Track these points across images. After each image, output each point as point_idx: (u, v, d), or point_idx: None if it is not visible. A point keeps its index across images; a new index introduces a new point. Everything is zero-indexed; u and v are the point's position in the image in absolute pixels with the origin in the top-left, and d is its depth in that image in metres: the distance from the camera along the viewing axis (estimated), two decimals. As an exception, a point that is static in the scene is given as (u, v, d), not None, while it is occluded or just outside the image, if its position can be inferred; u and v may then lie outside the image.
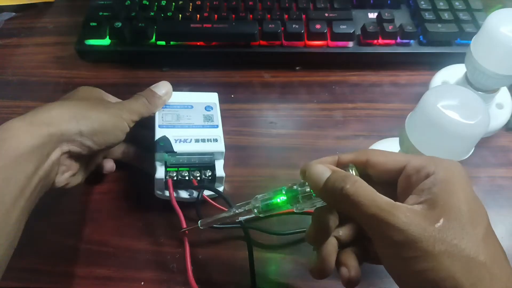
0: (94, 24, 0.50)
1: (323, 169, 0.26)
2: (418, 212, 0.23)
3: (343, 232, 0.28)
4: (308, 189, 0.27)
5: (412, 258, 0.22)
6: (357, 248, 0.28)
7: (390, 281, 0.35)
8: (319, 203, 0.27)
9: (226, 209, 0.36)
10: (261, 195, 0.29)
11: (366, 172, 0.27)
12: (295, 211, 0.28)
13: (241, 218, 0.31)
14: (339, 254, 0.28)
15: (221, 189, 0.39)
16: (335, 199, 0.25)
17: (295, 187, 0.28)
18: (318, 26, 0.50)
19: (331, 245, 0.27)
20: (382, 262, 0.25)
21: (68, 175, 0.34)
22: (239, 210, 0.30)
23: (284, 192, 0.28)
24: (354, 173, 0.26)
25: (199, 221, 0.33)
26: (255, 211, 0.29)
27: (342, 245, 0.28)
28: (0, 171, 0.27)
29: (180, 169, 0.38)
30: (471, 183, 0.25)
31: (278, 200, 0.28)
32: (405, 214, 0.23)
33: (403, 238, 0.22)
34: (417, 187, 0.25)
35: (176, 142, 0.37)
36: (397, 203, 0.24)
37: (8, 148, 0.28)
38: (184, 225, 0.35)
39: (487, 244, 0.22)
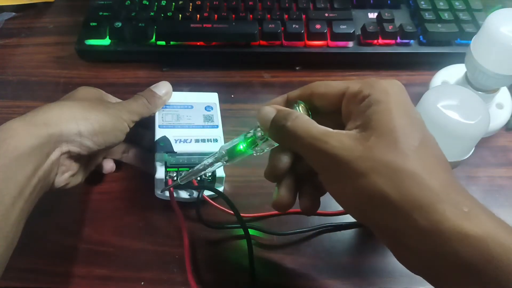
0: (94, 24, 0.50)
1: (269, 110, 0.28)
2: (351, 136, 0.24)
3: (300, 168, 0.29)
4: (261, 133, 0.29)
5: (345, 179, 0.23)
6: (315, 181, 0.29)
7: (390, 281, 0.36)
8: (276, 144, 0.29)
9: (227, 210, 0.37)
10: (225, 144, 0.32)
11: (314, 105, 0.28)
12: (254, 154, 0.30)
13: (212, 168, 0.33)
14: (300, 187, 0.29)
15: (221, 189, 0.39)
16: (279, 137, 0.27)
17: (251, 131, 0.30)
18: (318, 26, 0.50)
19: (289, 180, 0.29)
20: (327, 190, 0.26)
21: (68, 175, 0.34)
22: (209, 161, 0.32)
23: (243, 139, 0.30)
24: (300, 109, 0.28)
25: (178, 178, 0.35)
26: (224, 162, 0.32)
27: (303, 180, 0.29)
28: (0, 171, 0.27)
29: (180, 169, 0.38)
30: (407, 98, 0.25)
31: (241, 147, 0.30)
32: (337, 139, 0.24)
33: (334, 162, 0.23)
34: (354, 112, 0.25)
35: (176, 142, 0.37)
36: (332, 130, 0.25)
37: (8, 148, 0.28)
38: (184, 225, 0.35)
39: (420, 155, 0.23)
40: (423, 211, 0.21)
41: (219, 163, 0.32)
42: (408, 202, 0.21)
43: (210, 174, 0.38)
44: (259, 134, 0.29)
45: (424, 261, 0.22)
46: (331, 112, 0.28)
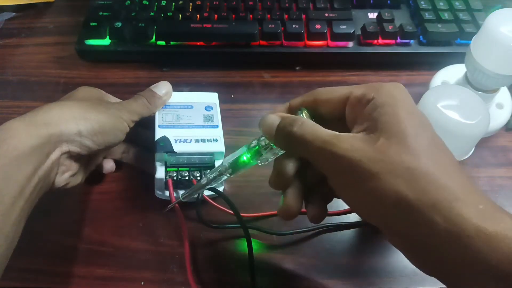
0: (94, 24, 0.50)
1: (273, 118, 0.27)
2: (359, 138, 0.24)
3: (306, 175, 0.29)
4: (265, 142, 0.29)
5: (357, 182, 0.23)
6: (322, 188, 0.29)
7: (390, 281, 0.36)
8: (280, 152, 0.29)
9: (227, 210, 0.37)
10: (228, 157, 0.31)
11: (317, 111, 0.28)
12: (259, 164, 0.30)
13: (216, 182, 0.32)
14: (306, 195, 0.29)
15: (221, 189, 0.39)
16: (286, 144, 0.27)
17: (254, 141, 0.30)
18: (318, 26, 0.50)
19: (295, 188, 0.29)
20: (338, 195, 0.26)
21: (68, 175, 0.34)
22: (212, 175, 0.32)
23: (247, 150, 0.30)
24: (304, 116, 0.28)
25: (180, 195, 0.35)
26: (227, 174, 0.31)
27: (309, 187, 0.29)
28: (0, 171, 0.27)
29: (180, 169, 0.38)
30: (412, 101, 0.25)
31: (244, 158, 0.30)
32: (347, 142, 0.24)
33: (345, 164, 0.23)
34: (360, 116, 0.25)
35: (176, 142, 0.37)
36: (340, 133, 0.25)
37: (8, 148, 0.28)
38: (184, 226, 0.35)
39: (431, 154, 0.22)
40: (441, 210, 0.21)
41: (223, 177, 0.32)
42: (425, 201, 0.21)
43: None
44: (263, 143, 0.29)
45: (444, 262, 0.21)
46: (334, 118, 0.28)
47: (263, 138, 0.29)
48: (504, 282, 0.20)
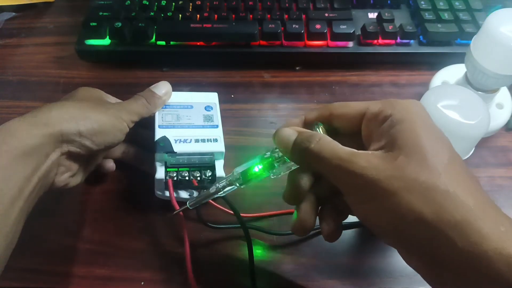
0: (94, 24, 0.50)
1: (289, 132, 0.27)
2: (378, 156, 0.23)
3: (320, 189, 0.29)
4: (279, 154, 0.28)
5: (375, 200, 0.23)
6: (337, 203, 0.29)
7: (390, 281, 0.36)
8: (294, 166, 0.28)
9: (227, 210, 0.37)
10: (239, 167, 0.31)
11: (332, 125, 0.28)
12: (271, 177, 0.30)
13: (225, 191, 0.32)
14: (320, 210, 0.29)
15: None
16: (302, 159, 0.26)
17: (268, 153, 0.29)
18: (318, 26, 0.50)
19: (309, 203, 0.28)
20: (354, 212, 0.25)
21: (67, 175, 0.34)
22: (221, 184, 0.31)
23: (259, 161, 0.29)
24: (320, 131, 0.28)
25: (187, 202, 0.34)
26: (237, 184, 0.31)
27: (323, 202, 0.29)
28: (0, 170, 0.27)
29: (180, 169, 0.38)
30: (429, 117, 0.25)
31: (256, 169, 0.30)
32: (365, 160, 0.23)
33: (363, 182, 0.23)
34: (377, 132, 0.25)
35: (176, 142, 0.37)
36: (358, 151, 0.24)
37: (8, 148, 0.28)
38: (184, 226, 0.35)
39: (450, 173, 0.22)
40: (461, 230, 0.21)
41: (233, 187, 0.31)
42: (444, 220, 0.21)
43: (210, 174, 0.38)
44: (277, 155, 0.29)
45: (463, 282, 0.21)
46: (349, 133, 0.28)
47: (277, 150, 0.29)
48: None
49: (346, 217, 0.29)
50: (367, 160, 0.23)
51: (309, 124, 0.29)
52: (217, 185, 0.32)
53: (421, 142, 0.23)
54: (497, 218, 0.21)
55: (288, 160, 0.28)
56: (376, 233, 0.25)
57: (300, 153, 0.26)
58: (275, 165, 0.29)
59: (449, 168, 0.22)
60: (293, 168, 0.29)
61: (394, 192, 0.22)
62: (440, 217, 0.21)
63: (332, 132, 0.28)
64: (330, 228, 0.28)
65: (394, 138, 0.24)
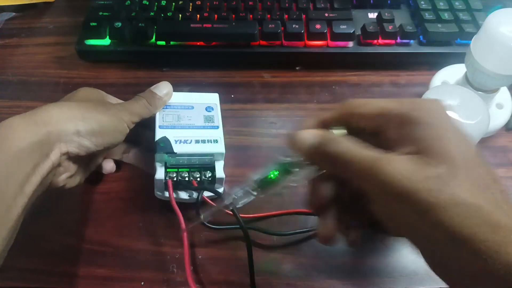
0: (94, 24, 0.50)
1: (310, 135, 0.26)
2: (411, 162, 0.22)
3: (344, 195, 0.27)
4: (297, 159, 0.27)
5: (408, 212, 0.21)
6: (362, 210, 0.26)
7: (390, 281, 0.36)
8: (315, 171, 0.27)
9: (227, 210, 0.36)
10: (254, 174, 0.29)
11: (350, 125, 0.26)
12: (291, 184, 0.28)
13: (243, 203, 0.30)
14: (343, 217, 0.27)
15: (221, 190, 0.39)
16: (322, 163, 0.25)
17: (285, 158, 0.28)
18: (318, 26, 0.50)
19: (333, 210, 0.27)
20: (380, 220, 0.24)
21: (65, 176, 0.34)
22: (238, 194, 0.29)
23: (276, 167, 0.28)
24: (339, 131, 0.26)
25: (201, 215, 0.32)
26: (255, 193, 0.29)
27: (346, 209, 0.27)
28: (0, 167, 0.27)
29: (180, 170, 0.38)
30: (454, 121, 0.24)
31: (272, 176, 0.28)
32: (394, 166, 0.22)
33: (394, 191, 0.21)
34: (402, 135, 0.23)
35: (176, 142, 0.37)
36: (385, 155, 0.22)
37: (9, 145, 0.28)
38: (184, 226, 0.35)
39: (485, 188, 0.21)
40: (497, 248, 0.19)
41: (250, 197, 0.29)
42: (481, 239, 0.20)
43: (210, 175, 0.38)
44: (296, 160, 0.27)
45: None
46: (367, 133, 0.26)
47: (294, 155, 0.27)
48: None
49: (371, 226, 0.27)
50: (401, 167, 0.21)
51: (327, 125, 0.27)
52: (233, 195, 0.30)
53: (454, 152, 0.21)
54: None
55: (307, 165, 0.26)
56: (409, 240, 0.23)
57: (322, 157, 0.25)
58: (294, 170, 0.27)
59: (484, 182, 0.21)
60: (313, 174, 0.27)
61: (431, 206, 0.20)
62: (476, 235, 0.20)
63: (349, 132, 0.26)
64: (354, 236, 0.27)
65: (424, 144, 0.22)
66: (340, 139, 0.24)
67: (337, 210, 0.27)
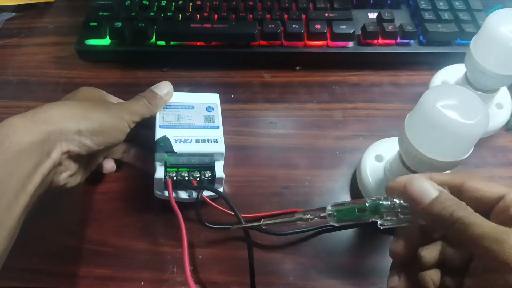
0: (94, 24, 0.50)
1: (428, 187, 0.24)
2: None
3: (429, 252, 0.26)
4: (395, 204, 0.26)
5: None
6: (439, 271, 0.26)
7: (390, 281, 0.36)
8: (405, 221, 0.26)
9: (227, 210, 0.36)
10: (335, 202, 0.28)
11: (459, 197, 0.25)
12: (379, 226, 0.27)
13: (311, 225, 0.30)
14: (421, 274, 0.26)
15: (220, 190, 0.39)
16: (440, 221, 0.23)
17: (379, 200, 0.27)
18: (318, 26, 0.50)
19: (435, 272, 0.26)
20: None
21: (66, 175, 0.34)
22: (309, 215, 0.29)
23: (367, 204, 0.27)
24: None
25: (261, 220, 0.32)
26: (332, 218, 0.28)
27: (424, 266, 0.26)
28: (2, 165, 0.27)
29: (179, 169, 0.38)
30: None
31: (357, 211, 0.27)
32: None
33: None
34: None
35: (176, 142, 0.37)
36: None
37: (10, 144, 0.28)
38: (183, 226, 0.35)
39: None
40: None
41: (324, 222, 0.28)
42: None
43: (209, 174, 0.38)
44: (395, 204, 0.25)
45: None
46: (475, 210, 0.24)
47: (394, 200, 0.26)
48: None
49: None
50: None
51: (440, 184, 0.26)
52: (302, 215, 0.29)
53: None
54: None
55: (401, 214, 0.25)
56: None
57: (441, 214, 0.23)
58: (384, 212, 0.26)
59: None
60: (403, 223, 0.26)
61: None
62: None
63: None
64: None
65: None
66: (466, 206, 0.23)
67: (438, 272, 0.26)
